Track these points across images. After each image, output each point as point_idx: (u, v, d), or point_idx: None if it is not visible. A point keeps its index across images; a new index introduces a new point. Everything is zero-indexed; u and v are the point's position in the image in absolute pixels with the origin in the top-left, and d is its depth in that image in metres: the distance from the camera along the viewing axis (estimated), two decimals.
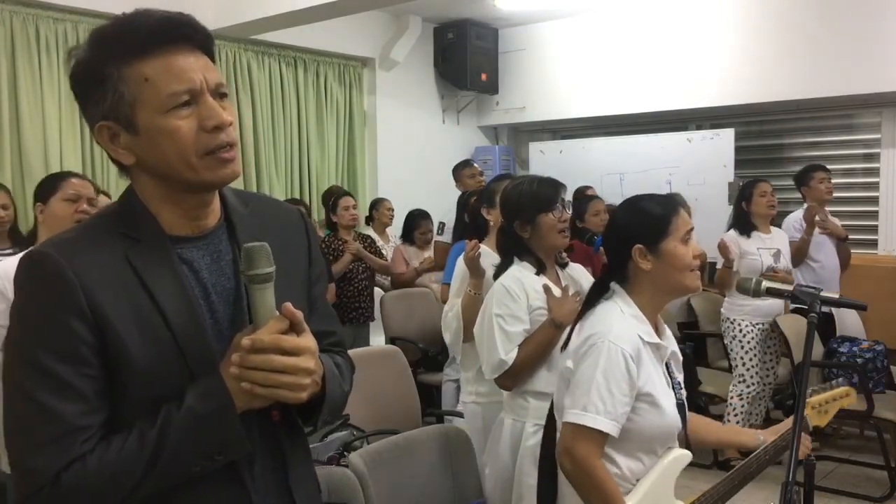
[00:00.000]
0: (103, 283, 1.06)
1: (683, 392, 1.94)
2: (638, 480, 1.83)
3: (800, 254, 4.66)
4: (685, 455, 1.89)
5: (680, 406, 1.89)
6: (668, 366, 1.92)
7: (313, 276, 1.30)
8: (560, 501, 1.91)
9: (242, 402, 1.08)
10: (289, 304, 1.09)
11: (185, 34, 1.09)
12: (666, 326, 1.99)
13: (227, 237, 1.19)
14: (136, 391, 1.08)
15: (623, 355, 1.76)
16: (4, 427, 1.07)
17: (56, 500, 1.02)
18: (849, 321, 4.74)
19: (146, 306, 1.08)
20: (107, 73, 1.07)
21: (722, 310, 4.57)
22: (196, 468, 1.07)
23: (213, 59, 1.14)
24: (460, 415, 3.07)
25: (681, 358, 2.01)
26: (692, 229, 1.88)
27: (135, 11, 1.09)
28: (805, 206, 4.77)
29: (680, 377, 1.96)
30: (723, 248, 4.21)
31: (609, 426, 1.74)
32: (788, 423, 2.04)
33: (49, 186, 2.53)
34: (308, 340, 1.10)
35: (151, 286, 1.09)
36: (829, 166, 4.91)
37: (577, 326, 1.91)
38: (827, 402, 2.13)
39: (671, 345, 1.95)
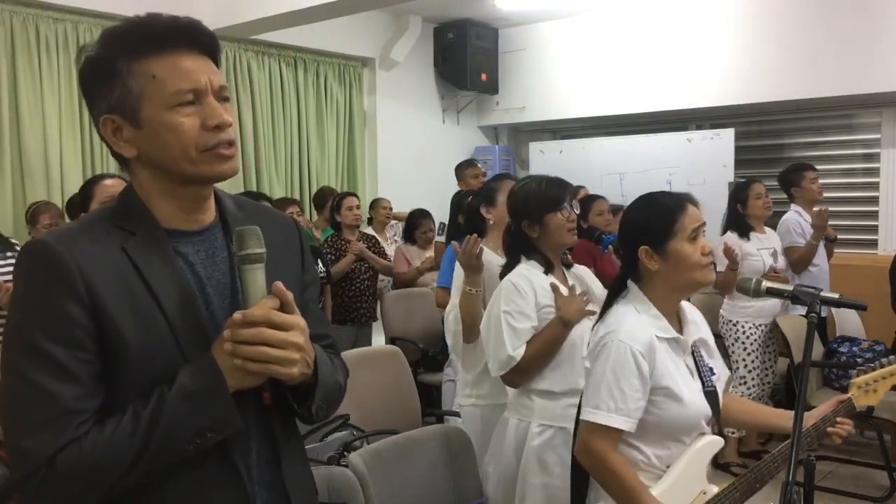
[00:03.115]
0: (100, 270, 1.09)
1: (717, 377, 1.95)
2: (668, 466, 1.86)
3: (806, 259, 4.49)
4: (716, 441, 1.91)
5: (710, 393, 1.90)
6: (696, 354, 1.93)
7: (306, 281, 1.34)
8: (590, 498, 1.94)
9: (234, 380, 1.10)
10: (279, 283, 1.12)
11: (194, 37, 1.15)
12: (694, 313, 2.00)
13: (222, 235, 1.23)
14: (132, 377, 1.10)
15: (632, 353, 1.79)
16: (1, 410, 1.08)
17: (52, 481, 1.04)
18: (849, 321, 4.72)
19: (142, 293, 1.11)
20: (117, 68, 1.12)
21: (722, 311, 4.53)
22: (189, 446, 1.09)
23: (217, 64, 1.19)
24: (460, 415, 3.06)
25: (712, 344, 2.01)
26: (701, 226, 1.88)
27: (147, 14, 1.14)
28: (793, 207, 4.68)
29: (713, 363, 1.97)
30: (728, 251, 4.12)
31: (621, 422, 1.77)
32: (830, 405, 2.02)
33: (86, 196, 2.64)
34: (298, 318, 1.13)
35: (147, 274, 1.12)
36: (829, 166, 4.89)
37: (595, 327, 1.94)
38: (875, 380, 2.07)
39: (698, 333, 1.96)
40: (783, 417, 2.08)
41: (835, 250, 4.93)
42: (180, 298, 1.13)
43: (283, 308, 1.11)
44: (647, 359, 1.80)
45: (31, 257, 1.10)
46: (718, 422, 1.96)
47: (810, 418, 1.98)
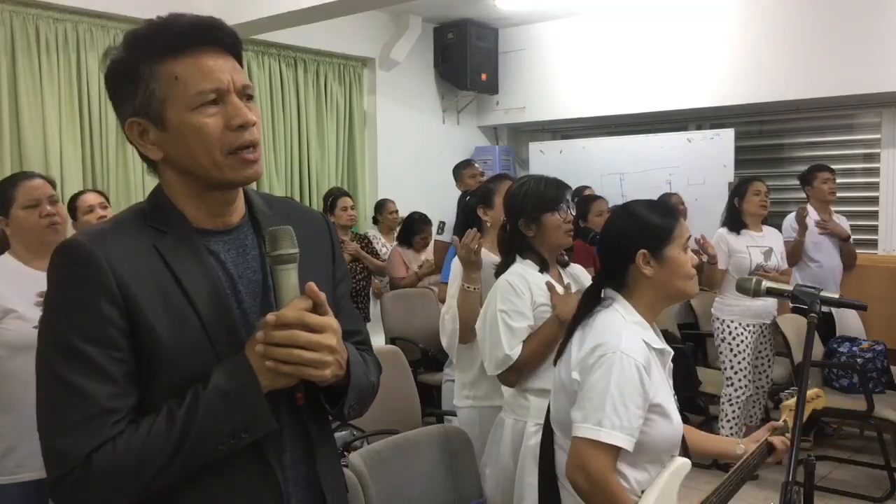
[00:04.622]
0: (133, 269, 1.09)
1: (674, 396, 1.92)
2: (643, 491, 1.79)
3: (795, 254, 4.66)
4: (686, 463, 1.86)
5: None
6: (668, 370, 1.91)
7: (337, 277, 1.34)
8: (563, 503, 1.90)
9: (267, 381, 1.10)
10: (312, 284, 1.11)
11: (216, 37, 1.14)
12: (658, 330, 1.96)
13: (252, 233, 1.23)
14: (165, 376, 1.10)
15: (636, 367, 1.72)
16: (36, 410, 1.08)
17: (87, 480, 1.03)
18: (849, 321, 4.73)
19: (174, 292, 1.11)
20: (140, 70, 1.12)
21: (713, 310, 4.53)
22: (222, 447, 1.09)
23: (240, 63, 1.18)
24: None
25: (671, 365, 1.98)
26: (689, 238, 1.88)
27: (168, 15, 1.14)
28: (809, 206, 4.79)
29: (670, 382, 1.93)
30: (701, 243, 4.06)
31: (625, 441, 1.69)
32: (764, 431, 2.06)
33: (4, 198, 2.36)
34: (331, 319, 1.12)
35: (179, 273, 1.12)
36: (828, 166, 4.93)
37: (577, 335, 1.85)
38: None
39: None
40: (723, 443, 2.14)
41: None
42: (211, 296, 1.13)
43: (316, 309, 1.11)
44: (647, 373, 1.73)
45: (63, 257, 1.10)
46: (685, 441, 1.92)
47: (749, 443, 2.01)
